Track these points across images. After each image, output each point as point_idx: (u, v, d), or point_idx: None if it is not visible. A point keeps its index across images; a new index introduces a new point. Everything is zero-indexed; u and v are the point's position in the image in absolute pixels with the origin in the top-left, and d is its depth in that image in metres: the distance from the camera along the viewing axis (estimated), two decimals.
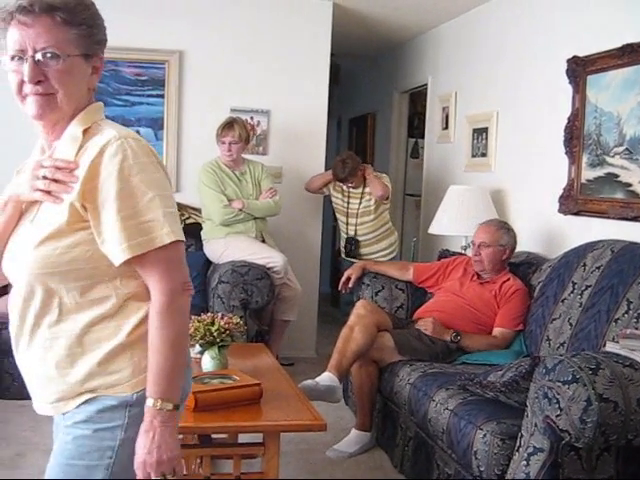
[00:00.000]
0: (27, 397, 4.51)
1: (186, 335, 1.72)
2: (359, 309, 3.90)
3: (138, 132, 5.35)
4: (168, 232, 1.59)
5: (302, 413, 2.75)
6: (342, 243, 5.69)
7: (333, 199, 5.68)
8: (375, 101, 7.89)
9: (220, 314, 3.13)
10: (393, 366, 3.80)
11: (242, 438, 3.33)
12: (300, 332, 5.62)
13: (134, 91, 5.53)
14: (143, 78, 5.53)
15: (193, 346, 3.29)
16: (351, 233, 5.56)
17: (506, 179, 4.97)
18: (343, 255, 5.68)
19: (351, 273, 4.44)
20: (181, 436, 3.28)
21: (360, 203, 5.49)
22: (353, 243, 5.52)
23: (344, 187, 5.53)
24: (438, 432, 3.15)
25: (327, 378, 3.59)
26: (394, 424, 3.75)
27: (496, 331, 3.92)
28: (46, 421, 4.11)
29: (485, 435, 2.79)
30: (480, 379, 3.06)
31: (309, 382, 3.49)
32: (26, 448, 3.73)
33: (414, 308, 4.30)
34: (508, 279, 4.02)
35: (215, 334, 3.00)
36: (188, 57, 5.57)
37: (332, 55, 5.80)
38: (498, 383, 2.90)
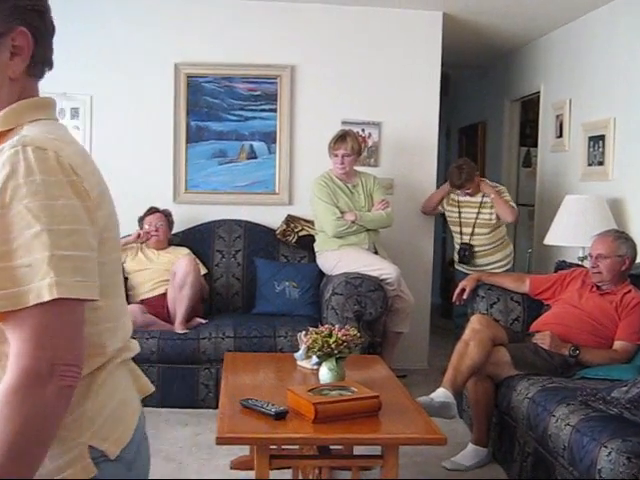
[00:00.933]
0: (147, 404, 4.66)
1: (38, 442, 1.13)
2: (474, 323, 3.85)
3: (252, 146, 5.63)
4: (50, 284, 1.11)
5: (421, 426, 2.74)
6: (455, 251, 5.62)
7: (447, 213, 5.62)
8: (485, 110, 7.80)
9: (337, 326, 3.15)
10: (510, 380, 3.73)
11: (357, 449, 3.34)
12: (412, 344, 5.60)
13: (247, 106, 5.65)
14: (256, 93, 5.65)
15: (310, 357, 3.34)
16: (465, 240, 5.49)
17: (625, 188, 4.83)
18: (457, 262, 5.62)
19: (465, 285, 4.39)
20: (297, 446, 3.34)
21: (478, 213, 5.40)
22: (467, 249, 5.45)
23: (459, 198, 5.48)
24: (559, 448, 3.08)
25: (442, 394, 3.56)
26: (511, 439, 3.69)
27: (617, 344, 3.80)
28: (166, 428, 4.26)
29: (610, 453, 2.71)
30: (603, 395, 2.98)
31: (424, 398, 3.47)
32: None
33: (530, 321, 4.21)
34: (629, 291, 3.90)
35: (333, 346, 3.02)
36: (300, 71, 5.65)
37: (441, 65, 5.77)
38: (623, 399, 2.82)
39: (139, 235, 5.12)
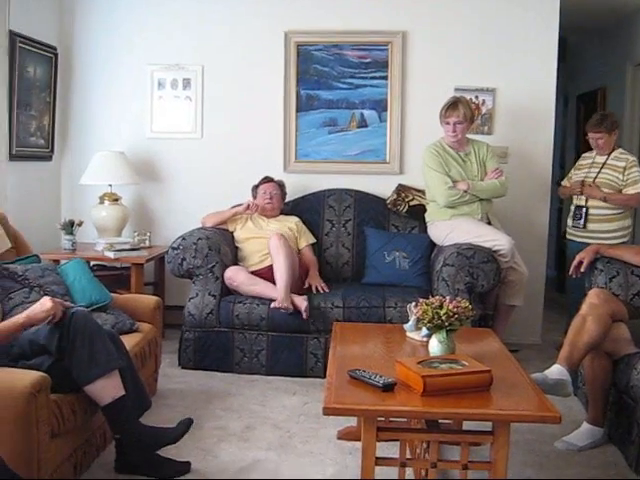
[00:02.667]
0: (256, 372, 4.74)
1: None
2: (592, 298, 3.68)
3: (362, 114, 5.57)
4: None
5: (534, 403, 2.64)
6: (570, 214, 5.36)
7: (574, 178, 5.35)
8: (605, 75, 7.46)
9: (448, 298, 3.08)
10: (629, 358, 3.56)
11: (466, 424, 3.27)
12: (525, 317, 5.45)
13: (358, 74, 5.61)
14: (367, 60, 5.59)
15: (420, 329, 3.28)
16: (581, 202, 5.23)
17: None
18: (569, 227, 5.35)
19: (583, 257, 4.19)
20: (406, 419, 3.29)
21: (599, 172, 5.12)
22: (582, 210, 5.17)
23: (590, 162, 5.21)
24: None
25: (556, 371, 3.43)
26: (629, 419, 3.52)
27: None
28: (274, 396, 4.31)
29: None
30: None
31: (538, 375, 3.35)
32: (255, 421, 3.88)
33: None
34: None
35: (443, 318, 2.94)
36: (411, 37, 5.56)
37: (559, 29, 5.51)
38: None
39: (249, 206, 5.12)
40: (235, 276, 4.72)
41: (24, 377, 2.70)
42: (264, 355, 4.64)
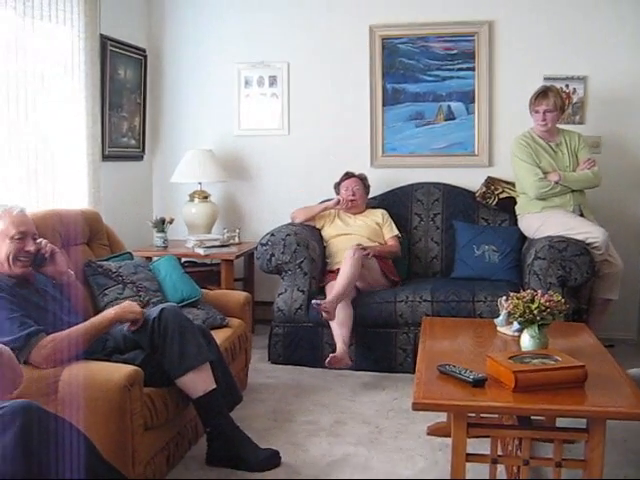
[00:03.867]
0: (345, 368, 4.68)
1: None
2: None
3: (449, 107, 5.50)
4: None
5: (631, 399, 2.55)
6: None
7: None
8: None
9: (540, 291, 3.01)
10: None
11: (560, 422, 3.19)
12: (620, 312, 5.26)
13: (444, 66, 5.55)
14: (453, 52, 5.52)
15: (511, 323, 3.22)
16: None
17: None
18: None
19: None
20: (497, 416, 3.23)
21: None
22: None
23: None
24: None
25: None
26: None
27: None
28: (364, 392, 4.29)
29: None
30: None
31: (635, 371, 3.24)
32: (345, 416, 3.88)
33: None
34: None
35: (535, 312, 2.88)
36: (498, 27, 5.46)
37: None
38: None
39: (339, 201, 5.10)
40: (328, 291, 4.64)
41: (118, 371, 2.77)
42: (353, 350, 4.62)
